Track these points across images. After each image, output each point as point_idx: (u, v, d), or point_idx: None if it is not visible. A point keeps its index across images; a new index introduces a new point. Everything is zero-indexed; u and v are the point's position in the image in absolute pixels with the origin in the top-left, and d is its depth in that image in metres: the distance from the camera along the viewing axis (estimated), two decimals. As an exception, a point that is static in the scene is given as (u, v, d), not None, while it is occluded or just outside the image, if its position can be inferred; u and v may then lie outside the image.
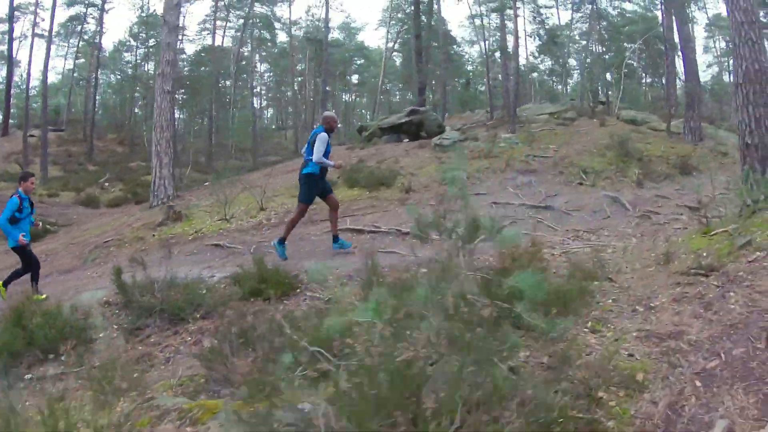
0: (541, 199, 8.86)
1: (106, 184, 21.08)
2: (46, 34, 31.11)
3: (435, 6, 27.19)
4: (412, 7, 26.79)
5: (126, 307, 5.42)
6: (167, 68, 13.58)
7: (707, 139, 14.08)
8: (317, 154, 6.33)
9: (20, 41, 32.53)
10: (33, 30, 22.08)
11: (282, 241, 6.69)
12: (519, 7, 23.91)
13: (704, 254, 4.38)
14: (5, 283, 6.29)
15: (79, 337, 4.56)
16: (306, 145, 6.70)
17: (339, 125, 7.30)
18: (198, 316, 5.16)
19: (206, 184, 18.43)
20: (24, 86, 34.15)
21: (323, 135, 6.39)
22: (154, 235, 10.40)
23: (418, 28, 25.98)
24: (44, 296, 6.06)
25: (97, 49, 27.06)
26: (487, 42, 26.41)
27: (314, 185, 6.51)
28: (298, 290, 5.51)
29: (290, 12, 26.91)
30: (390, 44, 35.32)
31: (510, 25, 23.02)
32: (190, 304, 5.20)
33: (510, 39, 23.55)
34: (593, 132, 14.51)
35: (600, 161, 11.18)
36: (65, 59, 33.10)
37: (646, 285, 4.06)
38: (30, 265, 6.39)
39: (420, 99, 26.98)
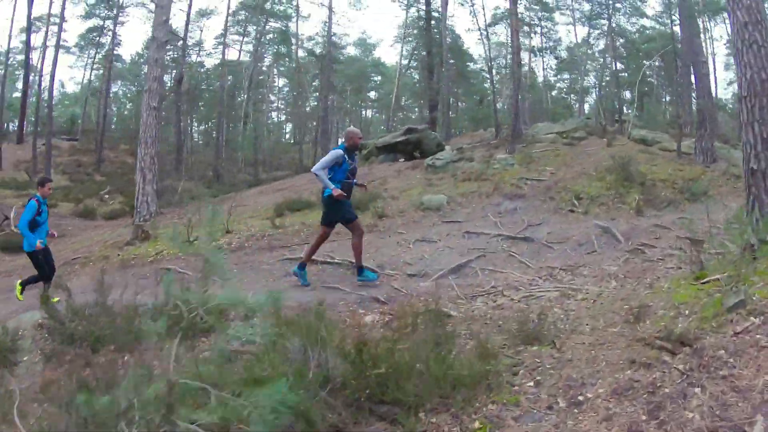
0: (522, 229, 8.04)
1: (106, 196, 20.99)
2: (64, 44, 31.96)
3: (449, 22, 26.76)
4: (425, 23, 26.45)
5: (53, 332, 5.10)
6: (154, 84, 13.35)
7: (720, 160, 12.98)
8: (317, 165, 5.85)
9: (41, 51, 33.46)
10: (45, 40, 22.32)
11: (302, 266, 6.22)
12: (521, 21, 23.25)
13: (684, 312, 3.58)
14: (23, 285, 6.46)
15: (2, 361, 4.52)
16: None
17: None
18: (112, 348, 4.67)
19: (211, 198, 18.19)
20: (43, 95, 35.12)
21: (337, 151, 5.90)
22: (119, 255, 10.09)
23: (429, 44, 25.57)
24: (56, 299, 6.08)
25: (109, 61, 27.34)
26: (495, 58, 25.68)
27: (339, 205, 5.92)
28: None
29: (297, 27, 26.71)
30: (405, 61, 34.88)
31: (520, 39, 22.23)
32: (107, 335, 4.84)
33: (523, 54, 22.83)
34: (599, 153, 13.65)
35: (598, 185, 10.28)
36: (84, 70, 33.72)
37: (593, 359, 3.20)
38: (43, 271, 6.40)
39: (431, 116, 26.46)
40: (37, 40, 30.72)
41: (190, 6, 24.24)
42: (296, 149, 40.87)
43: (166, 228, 10.87)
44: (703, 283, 4.01)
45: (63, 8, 22.67)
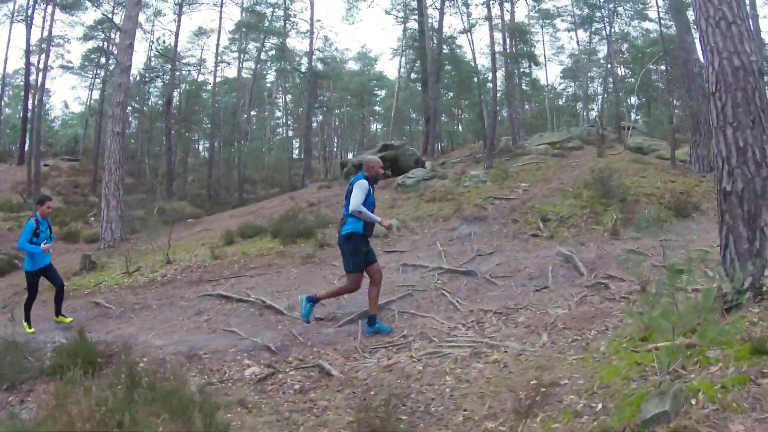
0: (468, 260, 7.16)
1: (92, 218, 20.70)
2: (68, 65, 32.28)
3: (447, 32, 26.02)
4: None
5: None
6: (117, 110, 12.99)
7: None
8: (355, 201, 5.02)
9: (37, 72, 33.91)
10: (45, 61, 22.33)
11: (314, 300, 5.27)
12: (520, 29, 22.43)
13: (596, 407, 2.72)
14: (26, 319, 6.25)
15: None
16: (346, 200, 5.30)
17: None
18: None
19: (189, 221, 17.76)
20: (46, 116, 35.51)
21: (362, 182, 5.12)
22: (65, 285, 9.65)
23: (423, 56, 24.90)
24: (69, 319, 6.46)
25: (103, 81, 27.41)
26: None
27: (360, 245, 5.09)
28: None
29: (284, 42, 26.34)
30: (407, 74, 34.27)
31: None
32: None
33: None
34: (585, 165, 12.70)
35: (571, 204, 9.33)
36: (88, 90, 34.05)
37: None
38: (33, 294, 6.30)
39: (427, 129, 25.72)
40: (40, 61, 31.23)
41: (178, 27, 24.10)
42: (300, 165, 40.62)
43: (110, 258, 10.39)
44: (649, 351, 3.11)
45: (50, 32, 22.60)
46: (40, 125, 21.12)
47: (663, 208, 9.64)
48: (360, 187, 5.07)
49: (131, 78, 31.59)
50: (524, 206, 9.21)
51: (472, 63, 24.70)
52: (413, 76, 33.69)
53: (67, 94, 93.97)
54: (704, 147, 11.83)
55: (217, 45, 26.21)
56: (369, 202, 5.12)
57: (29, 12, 22.60)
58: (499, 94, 15.58)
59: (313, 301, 5.22)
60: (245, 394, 4.10)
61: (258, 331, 5.40)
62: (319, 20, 37.87)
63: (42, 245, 6.12)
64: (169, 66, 23.94)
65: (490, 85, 23.00)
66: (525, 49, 20.39)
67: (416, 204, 10.20)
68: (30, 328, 6.16)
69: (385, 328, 5.15)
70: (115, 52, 28.69)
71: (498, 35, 22.55)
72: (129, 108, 32.41)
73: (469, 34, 19.20)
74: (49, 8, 23.30)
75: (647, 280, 5.00)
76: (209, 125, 36.31)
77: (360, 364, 4.25)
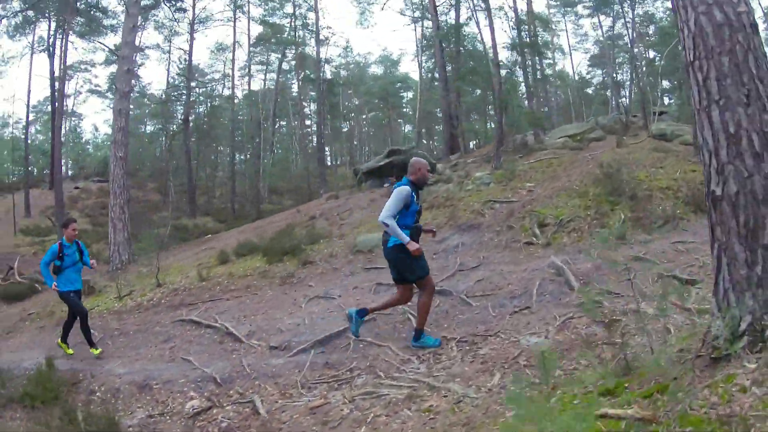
0: (448, 275, 6.59)
1: (116, 239, 21.14)
2: (96, 88, 33.45)
3: (468, 29, 25.27)
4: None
5: None
6: (119, 135, 13.15)
7: None
8: (385, 211, 4.50)
9: (74, 97, 35.34)
10: (61, 88, 23.06)
11: (364, 313, 4.86)
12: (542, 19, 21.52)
13: None
14: (63, 339, 6.18)
15: None
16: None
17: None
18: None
19: (207, 236, 17.91)
20: (78, 140, 36.98)
21: (403, 188, 4.59)
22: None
23: (442, 58, 24.32)
24: (71, 351, 6.06)
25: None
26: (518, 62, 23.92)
27: (411, 257, 4.56)
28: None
29: (295, 52, 26.30)
30: (429, 74, 33.73)
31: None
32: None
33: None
34: (600, 158, 11.87)
35: (575, 204, 8.58)
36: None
37: None
38: (75, 313, 6.07)
39: (447, 130, 25.11)
40: (69, 87, 32.50)
41: (191, 46, 24.44)
42: (328, 173, 40.66)
43: (111, 281, 10.42)
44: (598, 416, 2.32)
45: (63, 59, 23.29)
46: (59, 150, 21.82)
47: (680, 203, 8.82)
48: (397, 195, 4.53)
49: (149, 99, 32.65)
50: (523, 209, 8.56)
51: (486, 53, 24.04)
52: (434, 75, 33.18)
53: (97, 118, 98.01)
54: None
55: (233, 60, 26.38)
56: (412, 210, 4.61)
57: (50, 41, 23.41)
58: (505, 86, 14.83)
59: (362, 314, 4.75)
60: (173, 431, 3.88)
61: (212, 360, 5.18)
62: (329, 27, 37.83)
63: (53, 285, 5.90)
64: (191, 84, 24.34)
65: (520, 79, 22.34)
66: (529, 39, 19.46)
67: (413, 212, 9.71)
68: (69, 349, 6.10)
69: (430, 341, 4.61)
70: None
71: (501, 25, 21.84)
72: (159, 127, 33.52)
73: (477, 24, 18.30)
74: (71, 37, 24.04)
75: (613, 319, 4.18)
76: (237, 139, 37.06)
77: (291, 403, 3.90)
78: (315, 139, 48.77)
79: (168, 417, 4.26)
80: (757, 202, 2.64)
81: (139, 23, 17.46)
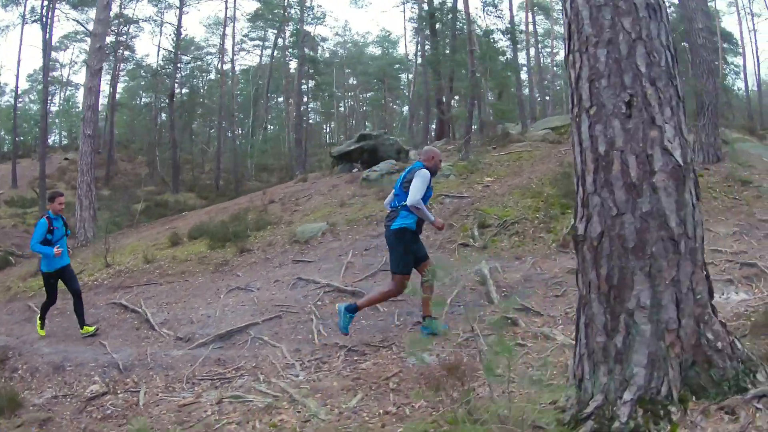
0: (365, 276, 6.43)
1: (95, 213, 21.16)
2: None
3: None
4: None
5: None
6: (88, 113, 13.12)
7: (727, 158, 10.30)
8: (415, 193, 4.37)
9: (69, 67, 35.18)
10: (45, 62, 22.87)
11: (354, 310, 4.64)
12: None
13: None
14: (40, 318, 6.15)
15: None
16: (394, 192, 4.72)
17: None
18: None
19: (183, 214, 17.91)
20: (74, 109, 36.86)
21: (425, 171, 4.51)
22: (19, 286, 9.85)
23: (435, 40, 23.95)
24: (93, 328, 5.90)
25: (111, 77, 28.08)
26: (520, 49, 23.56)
27: (410, 243, 4.54)
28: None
29: (284, 33, 25.96)
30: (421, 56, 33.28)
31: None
32: None
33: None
34: (568, 155, 11.75)
35: (525, 205, 8.39)
36: (109, 84, 35.09)
37: None
38: (51, 296, 6.02)
39: (439, 113, 24.82)
40: (65, 57, 32.25)
41: (179, 21, 24.13)
42: (321, 153, 40.49)
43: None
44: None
45: (50, 32, 23.03)
46: (46, 122, 21.78)
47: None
48: (422, 178, 4.42)
49: (145, 71, 32.41)
50: (470, 207, 8.48)
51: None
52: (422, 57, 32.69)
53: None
54: (711, 133, 10.38)
55: (223, 35, 26.03)
56: (428, 195, 4.58)
57: (43, 11, 23.13)
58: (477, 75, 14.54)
59: (352, 311, 4.60)
60: (62, 413, 4.06)
61: (124, 346, 5.29)
62: (320, 6, 37.18)
63: (54, 249, 5.69)
64: (183, 57, 24.14)
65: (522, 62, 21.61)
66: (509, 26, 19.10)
67: (367, 202, 9.66)
68: (42, 330, 6.07)
69: (437, 327, 4.43)
70: (123, 50, 29.54)
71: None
72: (152, 99, 33.33)
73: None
74: (65, 8, 23.78)
75: (458, 361, 3.49)
76: (239, 113, 36.85)
77: (169, 397, 3.97)
78: (313, 117, 48.63)
79: (69, 399, 4.35)
80: (626, 251, 2.05)
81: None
